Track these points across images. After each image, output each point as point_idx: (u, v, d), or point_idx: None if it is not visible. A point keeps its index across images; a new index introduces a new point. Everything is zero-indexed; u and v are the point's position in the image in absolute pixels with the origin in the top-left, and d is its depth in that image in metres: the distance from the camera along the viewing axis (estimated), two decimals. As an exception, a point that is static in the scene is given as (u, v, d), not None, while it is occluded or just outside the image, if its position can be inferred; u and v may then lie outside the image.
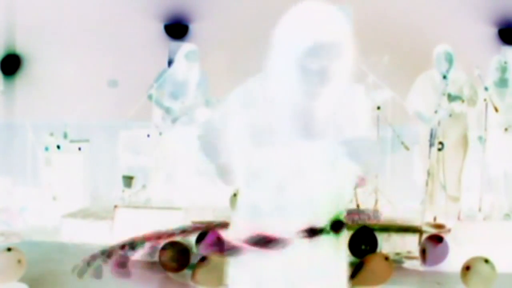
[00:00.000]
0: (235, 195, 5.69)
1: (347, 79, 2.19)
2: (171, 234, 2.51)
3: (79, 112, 8.28)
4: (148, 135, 7.51)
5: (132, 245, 2.35)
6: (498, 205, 7.03)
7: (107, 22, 8.73)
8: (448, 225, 6.30)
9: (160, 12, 9.17)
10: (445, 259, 5.58)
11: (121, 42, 8.74)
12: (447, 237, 5.73)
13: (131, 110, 7.36)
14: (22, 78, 8.94)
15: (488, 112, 6.53)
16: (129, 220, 6.07)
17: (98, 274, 2.34)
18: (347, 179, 2.26)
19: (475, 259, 4.97)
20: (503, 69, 7.00)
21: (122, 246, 2.40)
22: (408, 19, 8.23)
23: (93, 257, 2.36)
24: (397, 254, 6.10)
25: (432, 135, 6.49)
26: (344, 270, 2.34)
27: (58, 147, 7.72)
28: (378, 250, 5.80)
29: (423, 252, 5.65)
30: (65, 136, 7.80)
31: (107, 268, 2.40)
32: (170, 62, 8.18)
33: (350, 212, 6.42)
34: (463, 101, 6.63)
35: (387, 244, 6.12)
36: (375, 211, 6.76)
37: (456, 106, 6.63)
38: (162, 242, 2.38)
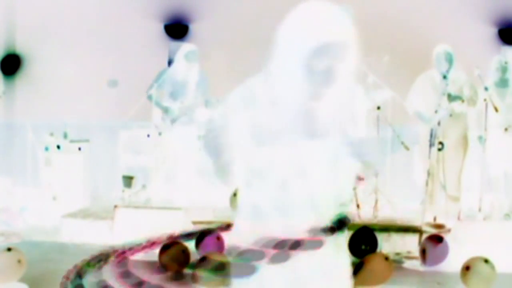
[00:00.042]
0: (235, 195, 5.69)
1: (352, 79, 2.19)
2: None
3: (79, 112, 8.28)
4: (148, 135, 7.52)
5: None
6: (498, 205, 7.03)
7: (107, 22, 8.73)
8: (448, 225, 6.30)
9: (160, 12, 9.17)
10: (445, 259, 5.58)
11: (121, 42, 8.73)
12: (447, 237, 5.73)
13: (131, 110, 7.37)
14: (22, 78, 8.95)
15: (488, 112, 6.53)
16: (129, 220, 6.08)
17: None
18: (348, 178, 2.27)
19: (475, 259, 4.97)
20: (504, 69, 7.01)
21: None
22: (408, 19, 8.22)
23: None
24: (397, 254, 6.10)
25: (432, 135, 6.50)
26: (347, 270, 2.34)
27: (58, 147, 7.72)
28: (378, 250, 5.80)
29: (423, 252, 5.65)
30: (65, 136, 7.80)
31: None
32: (170, 62, 8.18)
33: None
34: (463, 101, 6.63)
35: (387, 244, 6.13)
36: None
37: (456, 106, 6.63)
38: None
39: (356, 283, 2.34)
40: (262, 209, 2.22)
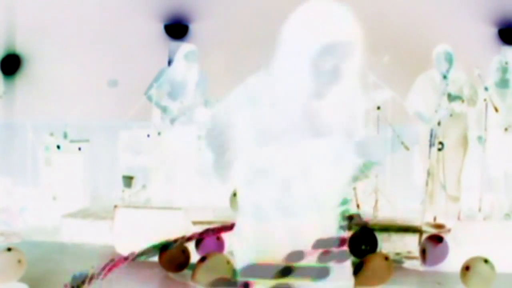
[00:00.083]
0: (235, 195, 5.69)
1: (356, 78, 2.19)
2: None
3: (79, 112, 8.27)
4: (148, 135, 7.52)
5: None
6: (498, 205, 7.03)
7: (107, 22, 8.73)
8: (448, 225, 6.30)
9: (160, 12, 9.18)
10: (445, 259, 5.58)
11: (121, 42, 8.73)
12: (447, 237, 5.72)
13: (131, 110, 7.36)
14: (22, 78, 8.95)
15: (488, 112, 6.53)
16: (129, 220, 6.07)
17: None
18: (349, 177, 2.27)
19: (474, 259, 4.97)
20: (504, 70, 7.01)
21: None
22: (408, 19, 8.22)
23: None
24: (397, 254, 6.10)
25: (432, 135, 6.49)
26: (348, 269, 2.33)
27: (58, 147, 7.72)
28: (378, 250, 5.79)
29: (423, 252, 5.65)
30: (65, 136, 7.80)
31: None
32: (170, 62, 8.18)
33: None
34: (463, 101, 6.63)
35: (387, 244, 6.12)
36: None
37: (456, 106, 6.63)
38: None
39: (356, 283, 2.34)
40: (264, 209, 2.21)
